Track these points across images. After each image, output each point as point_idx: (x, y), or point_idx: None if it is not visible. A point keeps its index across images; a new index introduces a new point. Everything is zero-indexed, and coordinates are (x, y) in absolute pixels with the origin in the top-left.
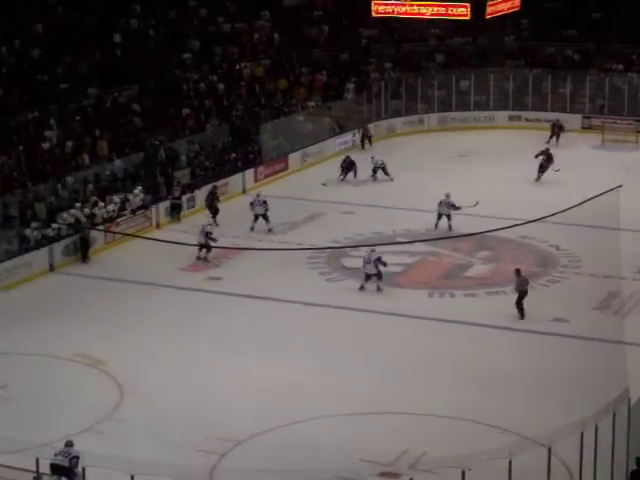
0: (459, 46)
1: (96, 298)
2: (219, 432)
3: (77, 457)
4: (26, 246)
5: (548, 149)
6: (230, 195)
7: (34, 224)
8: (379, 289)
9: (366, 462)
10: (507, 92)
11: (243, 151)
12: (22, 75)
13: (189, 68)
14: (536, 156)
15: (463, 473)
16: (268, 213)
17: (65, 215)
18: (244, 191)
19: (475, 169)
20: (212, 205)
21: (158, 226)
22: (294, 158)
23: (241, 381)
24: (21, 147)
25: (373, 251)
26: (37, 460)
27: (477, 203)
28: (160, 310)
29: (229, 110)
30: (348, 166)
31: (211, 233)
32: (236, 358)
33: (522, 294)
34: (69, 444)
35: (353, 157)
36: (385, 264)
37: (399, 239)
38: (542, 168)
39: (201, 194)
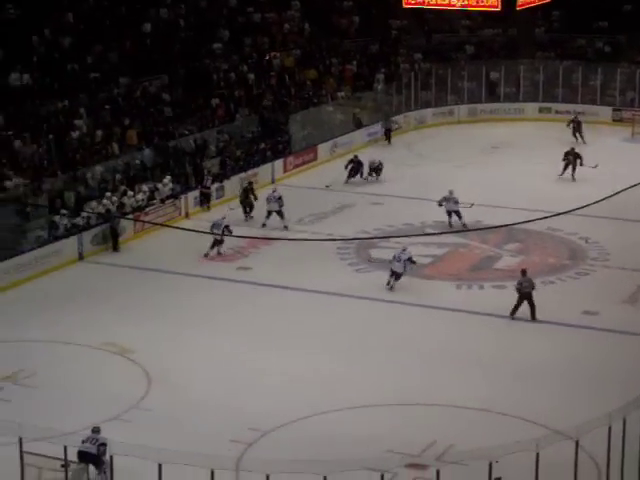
0: (489, 37)
1: (125, 287)
2: (247, 422)
3: (104, 444)
4: (55, 234)
5: (573, 148)
6: (260, 185)
7: (63, 212)
8: (392, 288)
9: (393, 453)
10: (537, 84)
11: (272, 141)
12: (53, 64)
13: (219, 58)
14: (564, 159)
15: (490, 465)
16: (283, 209)
17: (94, 204)
18: (273, 181)
19: (505, 161)
20: (246, 201)
21: (187, 215)
22: (323, 148)
23: (269, 371)
24: (51, 136)
25: (405, 250)
26: (65, 448)
27: (472, 205)
28: (188, 300)
29: (259, 100)
30: (356, 167)
31: (229, 226)
32: (264, 348)
33: (524, 296)
34: (96, 430)
35: (361, 157)
36: (415, 262)
37: (428, 230)
38: (567, 166)
39: (230, 184)
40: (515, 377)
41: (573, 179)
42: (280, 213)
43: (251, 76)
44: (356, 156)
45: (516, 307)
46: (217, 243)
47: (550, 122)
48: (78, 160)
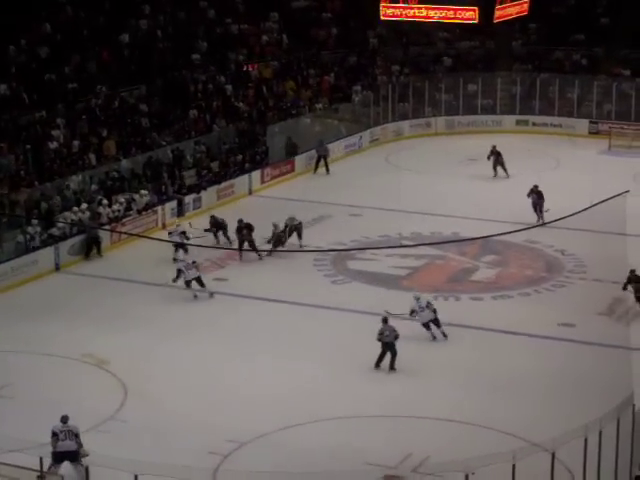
0: (467, 50)
1: (102, 297)
2: (224, 434)
3: (78, 434)
4: (32, 245)
5: (494, 146)
6: (236, 197)
7: (35, 222)
8: (445, 335)
9: (370, 465)
10: (514, 96)
11: (250, 152)
12: (30, 74)
13: (197, 69)
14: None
15: (467, 477)
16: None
17: (69, 214)
18: (250, 192)
19: (483, 173)
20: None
21: (164, 226)
22: (301, 160)
23: (246, 383)
24: (28, 146)
25: (418, 299)
26: (41, 459)
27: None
28: (166, 311)
29: (236, 111)
30: (216, 225)
31: (185, 232)
32: (242, 359)
33: (386, 345)
34: (65, 419)
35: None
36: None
37: (405, 242)
38: (496, 167)
39: (207, 195)
40: (492, 389)
41: (507, 176)
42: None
43: (229, 87)
44: (213, 216)
45: (380, 358)
46: (179, 273)
47: (527, 134)
48: (55, 170)
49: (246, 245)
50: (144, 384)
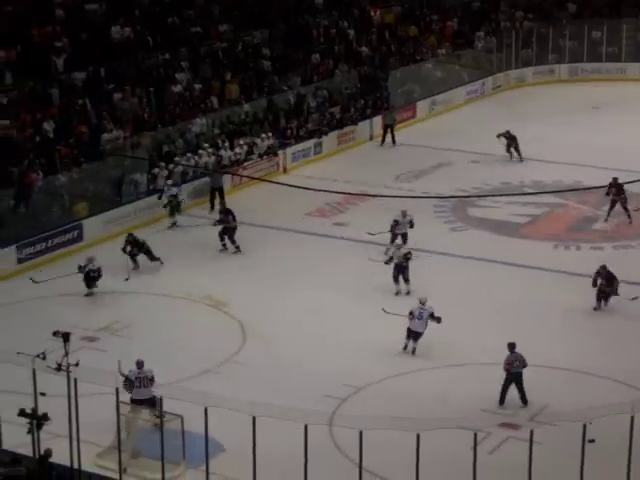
0: None
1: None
2: (341, 378)
3: (153, 377)
4: (154, 187)
5: (508, 131)
6: (357, 142)
7: (162, 165)
8: (414, 351)
9: (487, 412)
10: None
11: (372, 98)
12: (154, 17)
13: (320, 13)
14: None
15: (584, 427)
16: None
17: (193, 157)
18: (371, 138)
19: (606, 121)
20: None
21: (285, 171)
22: (422, 106)
23: (366, 327)
24: (151, 89)
25: (424, 305)
26: (160, 398)
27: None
28: (284, 254)
29: (359, 56)
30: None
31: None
32: (359, 304)
33: (512, 377)
34: (141, 365)
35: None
36: (439, 320)
37: (526, 190)
38: (509, 149)
39: (327, 140)
40: (612, 339)
41: (521, 160)
42: (405, 237)
43: (351, 32)
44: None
45: (504, 391)
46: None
47: None
48: (178, 114)
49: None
50: (262, 327)
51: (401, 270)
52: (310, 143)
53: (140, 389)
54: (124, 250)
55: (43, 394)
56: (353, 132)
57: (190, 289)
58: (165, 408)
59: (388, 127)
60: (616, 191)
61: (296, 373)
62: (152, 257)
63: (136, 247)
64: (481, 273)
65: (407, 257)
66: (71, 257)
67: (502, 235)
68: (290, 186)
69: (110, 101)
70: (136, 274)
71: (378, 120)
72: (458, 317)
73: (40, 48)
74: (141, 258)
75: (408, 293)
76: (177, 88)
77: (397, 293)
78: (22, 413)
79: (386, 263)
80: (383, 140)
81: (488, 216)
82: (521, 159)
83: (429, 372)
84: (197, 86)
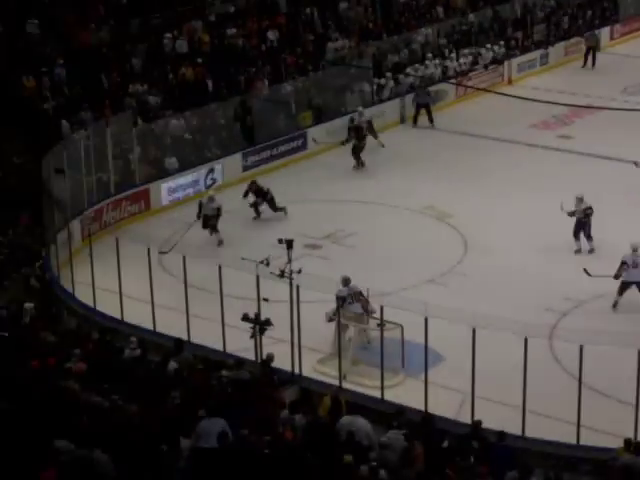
0: None
1: (444, 151)
2: (562, 292)
3: (361, 291)
4: (380, 97)
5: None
6: (582, 53)
7: (388, 75)
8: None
9: None
10: None
11: (600, 7)
12: None
13: None
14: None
15: None
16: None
17: (420, 68)
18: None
19: None
20: None
21: (510, 82)
22: None
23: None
24: None
25: (636, 250)
26: (382, 308)
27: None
28: (507, 166)
29: None
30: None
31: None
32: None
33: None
34: (347, 282)
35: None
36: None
37: None
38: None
39: (554, 51)
40: None
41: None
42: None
43: None
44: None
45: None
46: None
47: None
48: (403, 23)
49: None
50: (485, 238)
51: (581, 226)
52: (536, 54)
53: (353, 304)
54: (246, 196)
55: (266, 300)
56: (580, 43)
57: (413, 199)
58: (386, 317)
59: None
60: None
61: (517, 286)
62: (275, 207)
63: (260, 196)
64: None
65: (587, 213)
66: (294, 165)
67: None
68: (513, 97)
69: (336, 10)
70: (358, 184)
71: (606, 32)
72: None
73: None
74: (265, 208)
75: (591, 251)
76: None
77: (577, 251)
78: (245, 318)
79: (570, 215)
80: (585, 63)
81: None
82: None
83: None
84: None
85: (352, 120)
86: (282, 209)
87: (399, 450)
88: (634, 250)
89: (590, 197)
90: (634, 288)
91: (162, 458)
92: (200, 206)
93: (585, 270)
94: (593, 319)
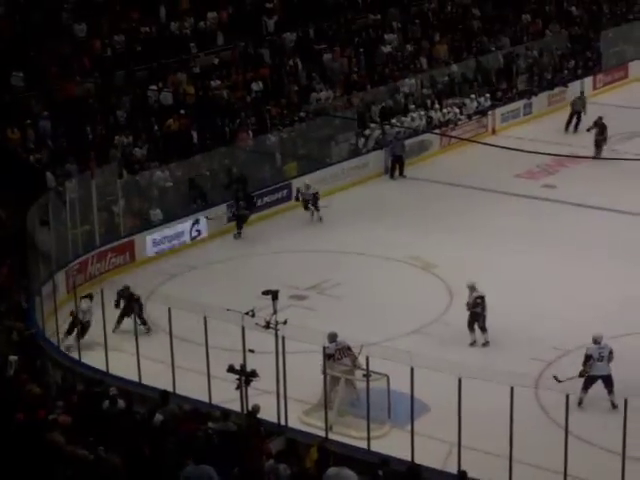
0: None
1: (428, 201)
2: (549, 341)
3: (349, 347)
4: (365, 148)
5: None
6: (567, 102)
7: (373, 126)
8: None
9: None
10: None
11: (582, 58)
12: None
13: None
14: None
15: None
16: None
17: (405, 119)
18: None
19: None
20: None
21: (494, 132)
22: (635, 66)
23: (575, 289)
24: (361, 49)
25: (600, 345)
26: (367, 358)
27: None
28: (493, 216)
29: (569, 16)
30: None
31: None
32: (568, 266)
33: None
34: (333, 338)
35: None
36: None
37: None
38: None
39: (537, 101)
40: None
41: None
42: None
43: None
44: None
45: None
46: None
47: None
48: (387, 74)
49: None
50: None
51: (475, 317)
52: (520, 104)
53: (342, 359)
54: (116, 305)
55: (252, 351)
56: (564, 93)
57: (398, 250)
58: (372, 367)
59: (576, 114)
60: None
61: (504, 335)
62: (142, 320)
63: (131, 303)
64: None
65: (477, 302)
66: (279, 216)
67: None
68: (498, 147)
69: (320, 61)
70: (342, 234)
71: (589, 81)
72: None
73: (251, 10)
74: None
75: (485, 344)
76: (387, 49)
77: (472, 344)
78: (231, 369)
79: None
80: (567, 127)
81: None
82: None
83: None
84: (407, 47)
85: (298, 191)
86: (146, 324)
87: None
88: (596, 342)
89: (574, 247)
90: (599, 383)
91: None
92: (298, 191)
93: (555, 377)
94: (577, 368)
